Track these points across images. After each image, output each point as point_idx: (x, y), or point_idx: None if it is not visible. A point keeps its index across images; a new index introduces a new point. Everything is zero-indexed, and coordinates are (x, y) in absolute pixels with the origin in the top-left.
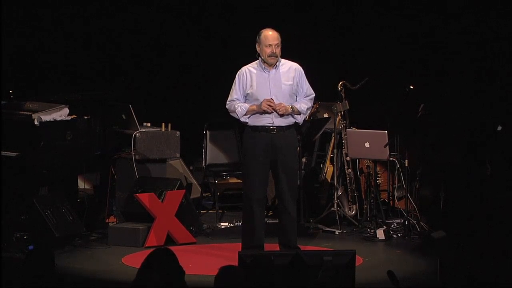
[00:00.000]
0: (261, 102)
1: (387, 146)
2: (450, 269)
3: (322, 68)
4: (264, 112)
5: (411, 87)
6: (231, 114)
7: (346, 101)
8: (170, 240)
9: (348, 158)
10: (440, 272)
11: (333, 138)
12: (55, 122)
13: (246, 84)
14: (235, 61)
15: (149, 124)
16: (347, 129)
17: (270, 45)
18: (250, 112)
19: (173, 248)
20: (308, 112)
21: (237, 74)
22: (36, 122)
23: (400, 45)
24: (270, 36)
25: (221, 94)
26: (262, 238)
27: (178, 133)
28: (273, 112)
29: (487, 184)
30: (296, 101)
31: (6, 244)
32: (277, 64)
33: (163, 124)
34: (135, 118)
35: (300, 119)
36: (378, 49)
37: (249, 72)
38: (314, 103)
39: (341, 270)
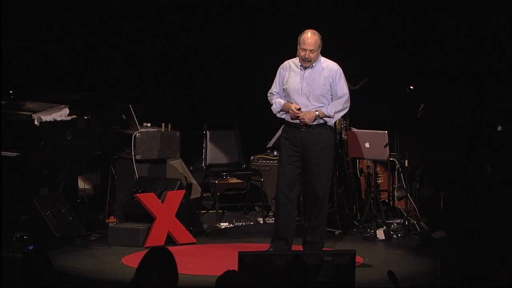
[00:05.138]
0: (289, 106)
1: (387, 146)
2: (450, 269)
3: None
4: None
5: (411, 87)
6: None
7: None
8: (170, 240)
9: (348, 158)
10: (440, 272)
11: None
12: (55, 122)
13: (284, 79)
14: (235, 61)
15: (149, 124)
16: (347, 129)
17: (305, 50)
18: (284, 110)
19: (173, 248)
20: (340, 114)
21: (279, 67)
22: (36, 122)
23: (400, 45)
24: (307, 41)
25: (221, 94)
26: (285, 232)
27: (178, 133)
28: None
29: (487, 184)
30: (331, 101)
31: (6, 244)
32: (314, 64)
33: (163, 124)
34: (135, 118)
35: (330, 121)
36: (378, 49)
37: (289, 67)
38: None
39: (341, 270)
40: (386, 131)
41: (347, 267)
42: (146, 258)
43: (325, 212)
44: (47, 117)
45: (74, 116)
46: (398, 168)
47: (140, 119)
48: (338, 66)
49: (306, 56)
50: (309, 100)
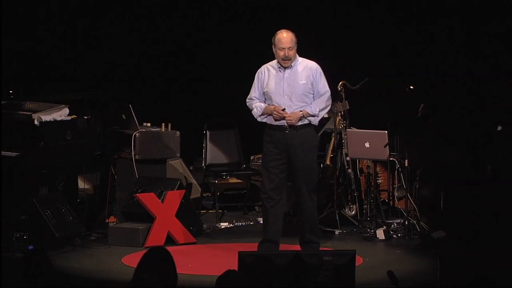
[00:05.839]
0: (272, 108)
1: (387, 146)
2: (450, 269)
3: (322, 68)
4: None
5: (411, 87)
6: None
7: (346, 101)
8: (170, 240)
9: (348, 158)
10: (440, 272)
11: (333, 138)
12: (55, 122)
13: (263, 82)
14: (235, 61)
15: (149, 124)
16: (347, 129)
17: (283, 49)
18: (266, 114)
19: (173, 248)
20: (323, 112)
21: (256, 72)
22: (36, 122)
23: (400, 45)
24: (283, 39)
25: (221, 94)
26: (274, 233)
27: (178, 133)
28: (282, 119)
29: (487, 184)
30: (313, 99)
31: (6, 244)
32: (292, 64)
33: (163, 124)
34: (135, 118)
35: (314, 121)
36: (378, 49)
37: (267, 71)
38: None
39: (341, 270)
40: (386, 131)
41: (347, 267)
42: (145, 258)
43: (316, 210)
44: (47, 117)
45: (74, 116)
46: (398, 168)
47: (140, 119)
48: (317, 65)
49: (286, 55)
50: (291, 100)
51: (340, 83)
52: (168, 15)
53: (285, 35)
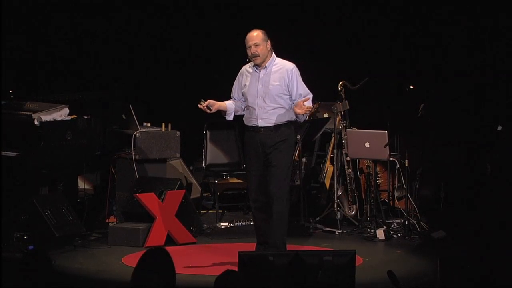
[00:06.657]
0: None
1: (387, 146)
2: (450, 269)
3: (322, 68)
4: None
5: (411, 87)
6: None
7: (346, 101)
8: (170, 240)
9: (348, 158)
10: (440, 272)
11: (333, 138)
12: (55, 122)
13: (241, 83)
14: (235, 61)
15: (149, 124)
16: (347, 129)
17: (249, 47)
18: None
19: (173, 248)
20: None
21: (238, 74)
22: (36, 122)
23: (400, 45)
24: (248, 37)
25: (221, 94)
26: (264, 236)
27: (178, 133)
28: (209, 110)
29: (487, 184)
30: (289, 101)
31: (6, 244)
32: (267, 64)
33: (163, 124)
34: (135, 118)
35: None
36: (378, 49)
37: (246, 72)
38: (314, 103)
39: (341, 270)
40: (386, 131)
41: (347, 267)
42: (143, 259)
43: (286, 215)
44: (47, 117)
45: (74, 116)
46: (398, 168)
47: (140, 119)
48: (294, 66)
49: (252, 52)
50: (265, 101)
51: (340, 83)
52: (169, 15)
53: (252, 33)
